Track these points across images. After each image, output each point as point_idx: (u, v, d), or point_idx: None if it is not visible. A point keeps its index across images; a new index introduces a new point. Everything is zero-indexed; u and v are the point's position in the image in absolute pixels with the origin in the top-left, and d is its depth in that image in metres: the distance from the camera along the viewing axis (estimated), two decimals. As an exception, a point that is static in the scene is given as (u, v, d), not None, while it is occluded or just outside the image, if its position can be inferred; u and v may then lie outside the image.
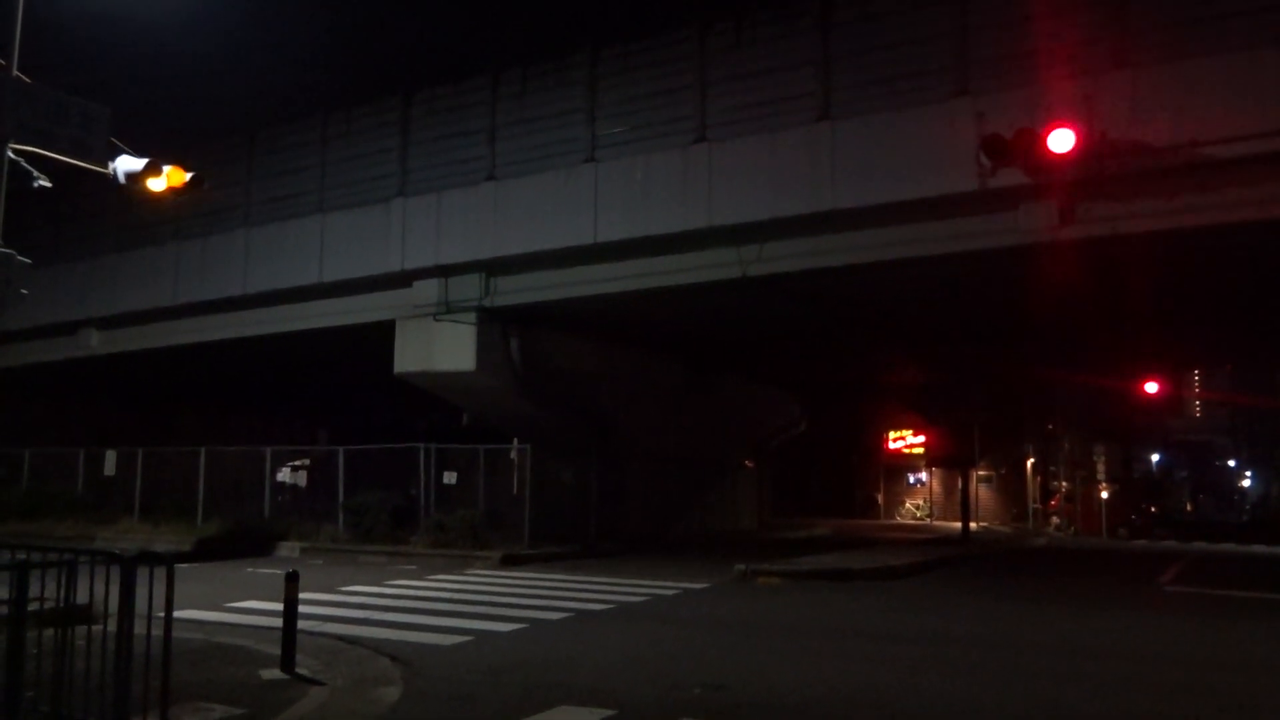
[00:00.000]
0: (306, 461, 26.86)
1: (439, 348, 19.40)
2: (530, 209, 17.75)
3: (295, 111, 22.12)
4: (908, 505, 43.66)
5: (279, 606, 7.92)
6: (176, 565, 5.78)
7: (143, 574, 5.51)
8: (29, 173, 8.85)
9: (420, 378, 20.15)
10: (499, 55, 18.88)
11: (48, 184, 9.00)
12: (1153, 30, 13.17)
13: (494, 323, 19.51)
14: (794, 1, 15.93)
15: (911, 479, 44.13)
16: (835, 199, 14.81)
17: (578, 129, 17.60)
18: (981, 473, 39.61)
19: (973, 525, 30.47)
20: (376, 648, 8.72)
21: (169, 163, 10.77)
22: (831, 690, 7.49)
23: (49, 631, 5.64)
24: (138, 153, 10.43)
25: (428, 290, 19.38)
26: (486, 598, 12.83)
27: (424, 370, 19.78)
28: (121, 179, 10.31)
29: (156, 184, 10.58)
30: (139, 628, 5.40)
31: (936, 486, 42.86)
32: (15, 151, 8.58)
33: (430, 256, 18.92)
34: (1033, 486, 40.20)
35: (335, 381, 31.20)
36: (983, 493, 40.16)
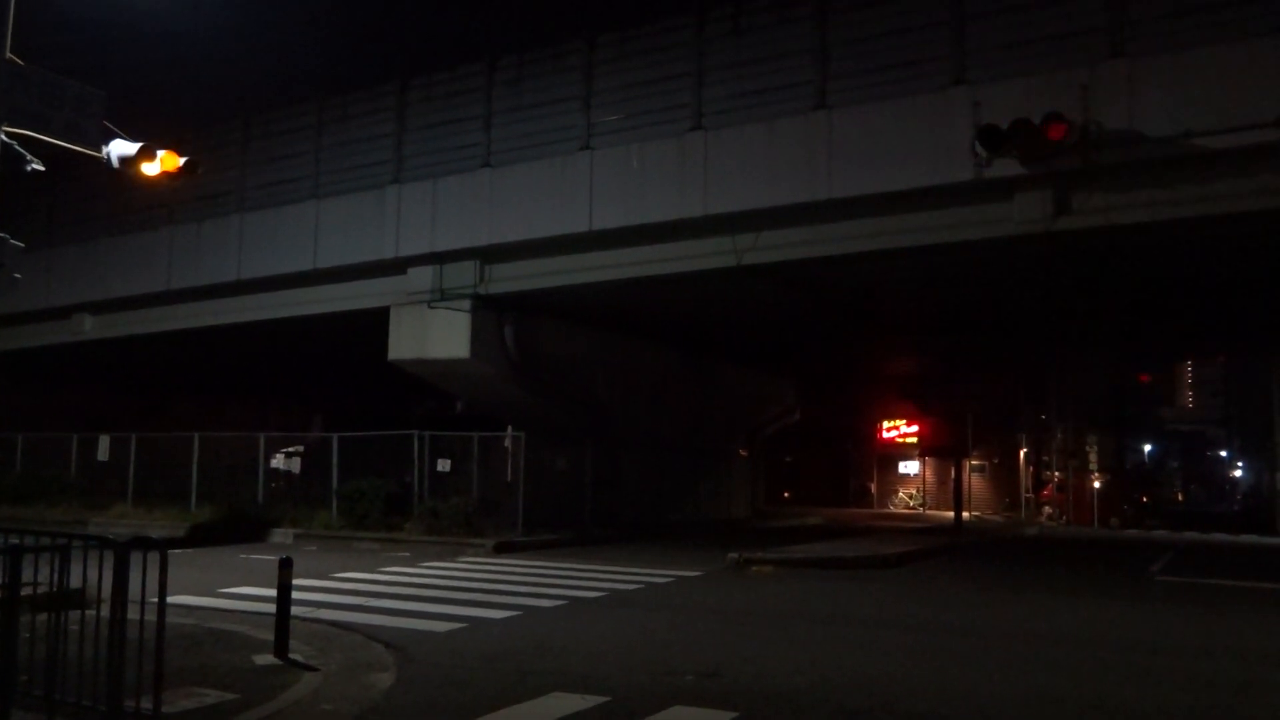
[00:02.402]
0: (300, 448, 26.86)
1: (433, 335, 19.39)
2: (526, 196, 17.72)
3: (290, 96, 22.17)
4: (901, 494, 43.76)
5: (272, 592, 7.93)
6: (170, 551, 5.78)
7: (136, 559, 5.51)
8: (22, 156, 8.81)
9: (415, 365, 20.13)
10: (495, 42, 18.83)
11: (41, 168, 8.96)
12: (1150, 20, 13.17)
13: (489, 310, 19.49)
14: (791, -11, 15.89)
15: (905, 468, 44.22)
16: (831, 188, 14.82)
17: (574, 116, 17.56)
18: (974, 462, 39.70)
19: (965, 515, 30.56)
20: (370, 634, 8.73)
21: (163, 147, 10.72)
22: (823, 677, 7.53)
23: (42, 616, 5.65)
24: (132, 137, 10.38)
25: (422, 277, 19.35)
26: (480, 584, 12.85)
27: (418, 357, 19.77)
28: (115, 163, 10.26)
29: (150, 169, 10.53)
30: (132, 613, 5.40)
31: (929, 476, 42.97)
32: (8, 135, 8.54)
33: (425, 243, 18.88)
34: (1025, 476, 40.29)
35: (330, 368, 31.19)
36: (975, 482, 40.26)
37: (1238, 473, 74.13)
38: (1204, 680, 7.87)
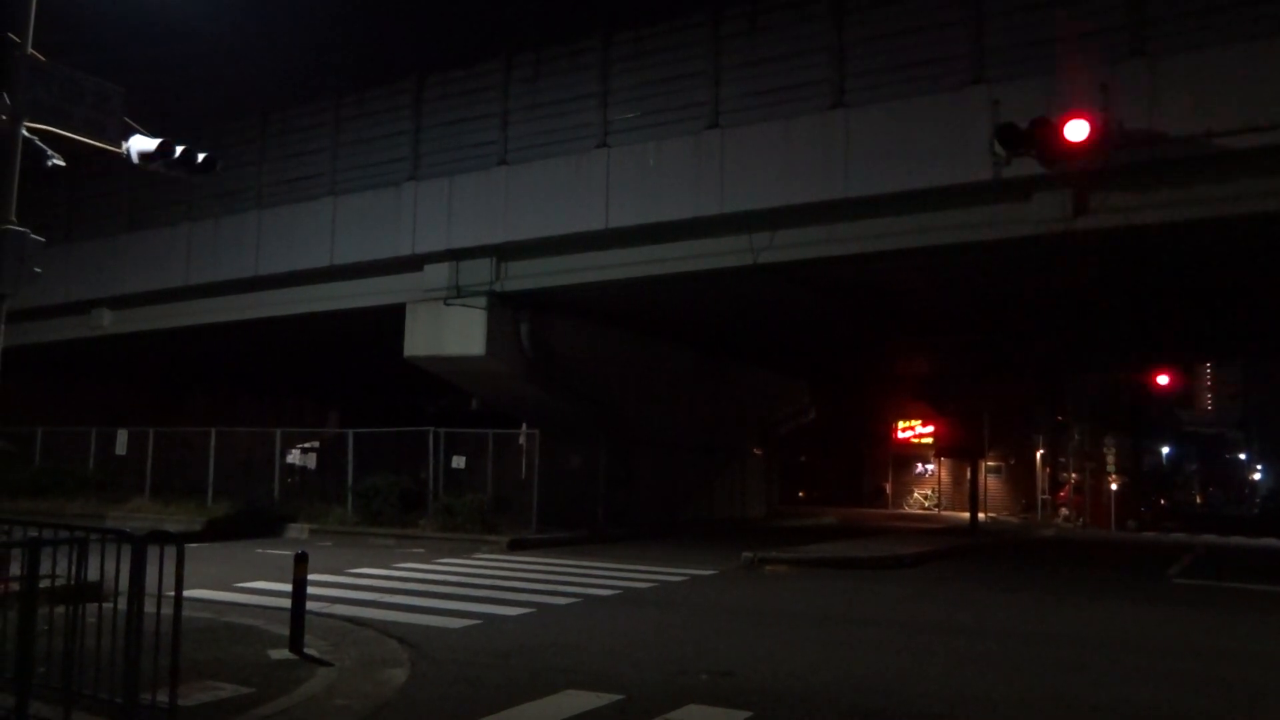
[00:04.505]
0: (316, 444, 26.95)
1: (449, 332, 19.42)
2: (542, 194, 17.73)
3: (308, 93, 22.13)
4: (916, 495, 43.60)
5: (288, 587, 7.96)
6: (186, 545, 5.81)
7: (153, 553, 5.53)
8: (43, 152, 8.87)
9: (430, 362, 20.18)
10: (512, 39, 18.77)
11: (61, 163, 9.03)
12: (1170, 19, 13.07)
13: (504, 307, 19.52)
14: (809, -13, 15.83)
15: (920, 469, 44.05)
16: (848, 187, 14.76)
17: (590, 114, 17.55)
18: (990, 463, 39.51)
19: (981, 516, 30.41)
20: (384, 630, 8.76)
21: (182, 143, 10.79)
22: (837, 677, 7.50)
23: (60, 609, 5.67)
24: (151, 133, 10.44)
25: (438, 274, 19.38)
26: (494, 582, 12.87)
27: (434, 354, 19.81)
28: (135, 159, 10.32)
29: (169, 164, 10.59)
30: (149, 606, 5.43)
31: (945, 476, 42.80)
32: (29, 130, 8.60)
33: (441, 240, 18.92)
34: (1042, 477, 40.10)
35: (345, 364, 31.29)
36: (991, 483, 40.07)
37: (1257, 475, 73.55)
38: (1221, 684, 7.81)
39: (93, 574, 5.80)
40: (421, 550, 17.03)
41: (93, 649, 5.49)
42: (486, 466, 21.19)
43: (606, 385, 22.93)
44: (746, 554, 16.39)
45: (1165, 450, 59.08)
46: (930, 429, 41.77)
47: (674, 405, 25.82)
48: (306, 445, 26.78)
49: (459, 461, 21.23)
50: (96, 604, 5.72)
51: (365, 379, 33.49)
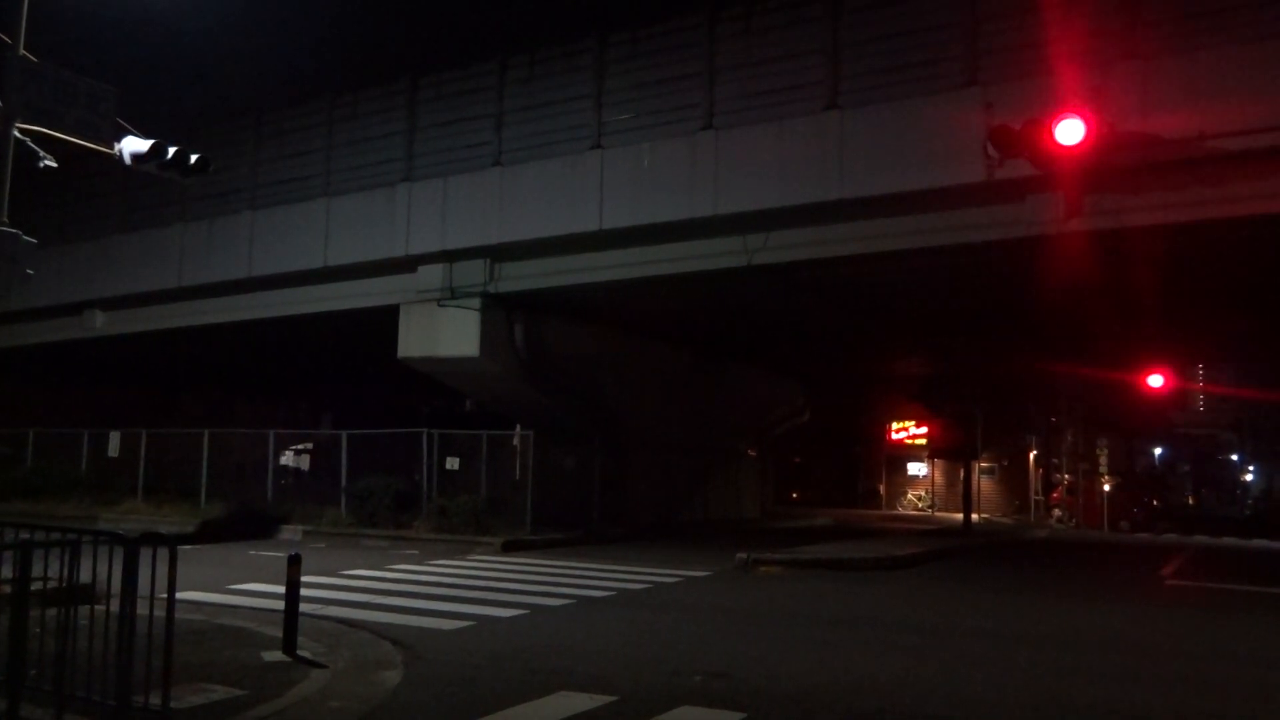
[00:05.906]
0: (310, 445, 26.96)
1: (443, 333, 19.39)
2: (536, 195, 17.72)
3: (302, 94, 22.09)
4: (910, 496, 43.66)
5: (281, 589, 7.94)
6: (179, 547, 5.80)
7: (145, 555, 5.52)
8: (35, 152, 8.85)
9: (424, 363, 20.15)
10: (507, 40, 18.81)
11: (53, 164, 9.00)
12: (1163, 21, 13.09)
13: (498, 309, 19.50)
14: (804, -11, 15.85)
15: (913, 470, 44.13)
16: (842, 188, 14.77)
17: (585, 115, 17.54)
18: (984, 464, 39.60)
19: (974, 517, 30.48)
20: (378, 631, 8.74)
21: (175, 144, 10.76)
22: (832, 679, 7.50)
23: (52, 611, 5.66)
24: (144, 134, 10.41)
25: (432, 275, 19.36)
26: (488, 583, 12.86)
27: (428, 355, 19.78)
28: (127, 160, 10.29)
29: (162, 165, 10.57)
30: (141, 608, 5.42)
31: (939, 478, 42.87)
32: (22, 131, 8.58)
33: (435, 242, 18.89)
34: (1035, 479, 40.18)
35: (339, 366, 31.23)
36: (985, 484, 40.15)
37: (1249, 477, 73.73)
38: (1217, 685, 7.83)
39: (85, 576, 5.78)
40: (416, 552, 17.01)
41: (85, 651, 5.47)
42: (481, 468, 21.18)
43: (601, 386, 22.91)
44: (741, 555, 16.39)
45: (1158, 451, 59.12)
46: (924, 430, 41.90)
47: (668, 406, 25.82)
48: (300, 447, 26.79)
49: (453, 463, 21.21)
50: (89, 606, 5.70)
51: (359, 380, 33.44)
